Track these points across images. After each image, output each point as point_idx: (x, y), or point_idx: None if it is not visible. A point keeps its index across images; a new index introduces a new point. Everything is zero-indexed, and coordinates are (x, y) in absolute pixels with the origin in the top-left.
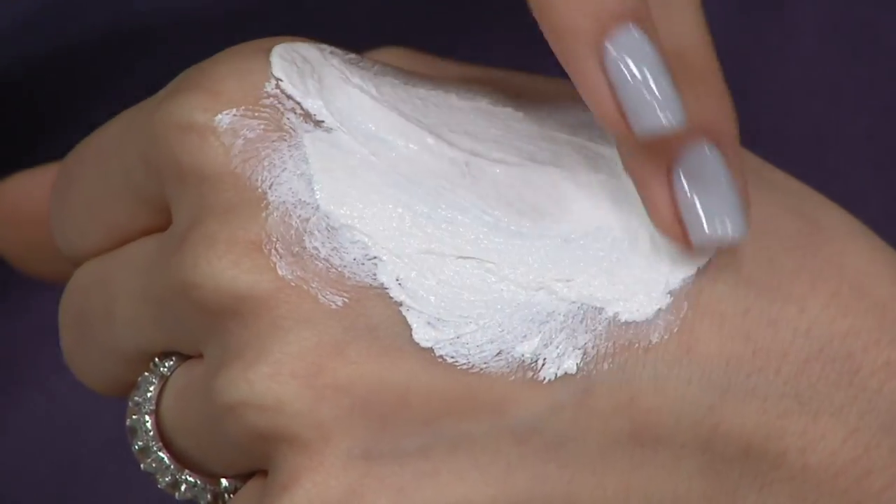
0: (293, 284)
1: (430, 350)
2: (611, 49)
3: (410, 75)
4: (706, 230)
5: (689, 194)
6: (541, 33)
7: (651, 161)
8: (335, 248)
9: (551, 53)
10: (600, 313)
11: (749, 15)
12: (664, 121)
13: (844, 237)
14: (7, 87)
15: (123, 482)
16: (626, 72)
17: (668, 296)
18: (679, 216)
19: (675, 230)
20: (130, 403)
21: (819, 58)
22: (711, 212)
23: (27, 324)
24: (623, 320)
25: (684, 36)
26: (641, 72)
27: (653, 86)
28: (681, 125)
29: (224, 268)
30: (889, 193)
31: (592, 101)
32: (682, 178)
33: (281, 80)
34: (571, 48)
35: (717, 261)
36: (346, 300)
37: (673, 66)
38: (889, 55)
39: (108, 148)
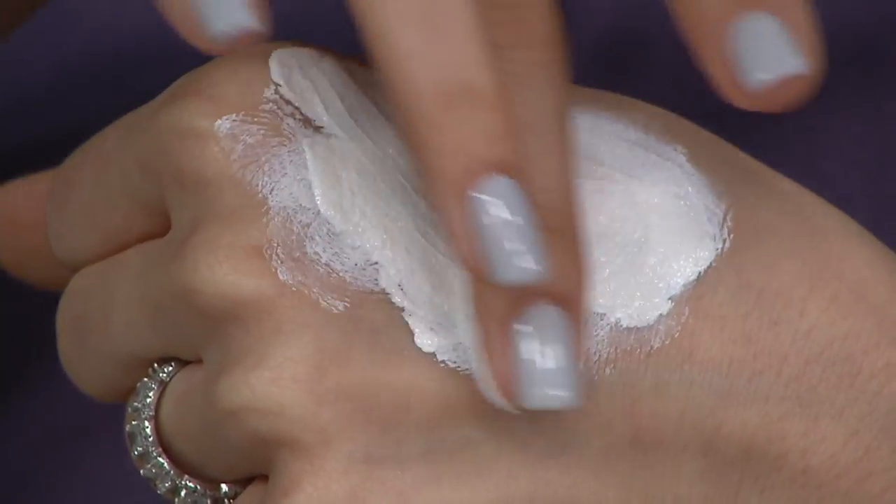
0: (294, 289)
1: (432, 355)
2: (476, 198)
3: None
4: (537, 396)
5: (528, 354)
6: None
7: (497, 313)
8: (336, 253)
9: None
10: (602, 319)
11: None
12: (523, 274)
13: (843, 240)
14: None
15: (126, 486)
16: (488, 222)
17: (669, 301)
18: (513, 374)
19: (507, 389)
20: (129, 409)
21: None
22: (546, 377)
23: (27, 327)
24: (624, 326)
25: (556, 194)
26: (505, 224)
27: (515, 239)
28: (541, 280)
29: (225, 273)
30: (880, 200)
31: (455, 246)
32: (523, 336)
33: (280, 86)
34: (439, 190)
35: (717, 266)
36: (347, 305)
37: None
38: (881, 61)
39: (107, 153)
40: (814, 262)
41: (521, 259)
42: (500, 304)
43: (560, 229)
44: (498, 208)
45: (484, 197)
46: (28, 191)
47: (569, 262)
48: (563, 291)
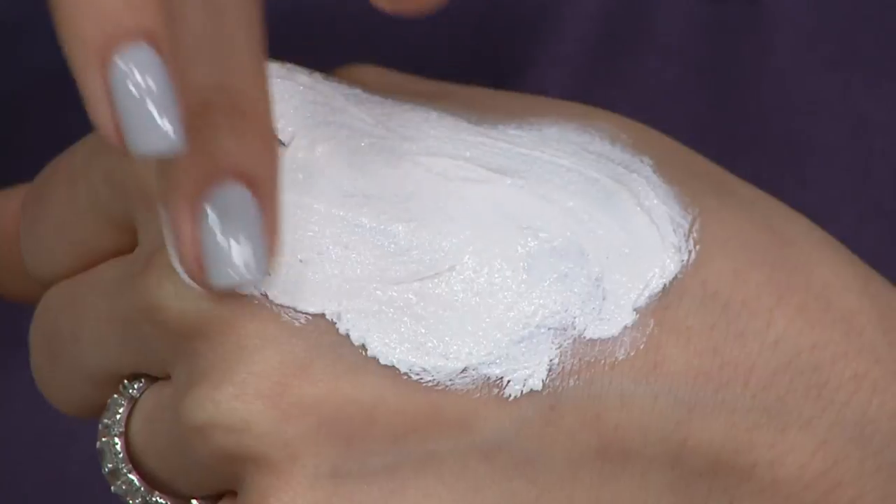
0: (256, 303)
1: (395, 369)
2: (116, 64)
3: (376, 93)
4: (218, 270)
5: (213, 233)
6: (515, 58)
7: (182, 193)
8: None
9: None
10: (566, 330)
11: (725, 28)
12: (159, 145)
13: (811, 250)
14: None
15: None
16: (127, 89)
17: (634, 313)
18: (200, 253)
19: (193, 267)
20: (100, 426)
21: (794, 68)
22: (230, 253)
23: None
24: (588, 337)
25: (233, 76)
26: (141, 91)
27: (152, 108)
28: (177, 152)
29: (188, 289)
30: (865, 202)
31: (91, 113)
32: (210, 215)
33: None
34: (78, 57)
35: (683, 278)
36: (308, 318)
37: (211, 101)
38: (864, 64)
39: (76, 169)
40: (781, 272)
41: (157, 128)
42: (186, 182)
43: (243, 111)
44: (136, 75)
45: (122, 64)
46: (2, 205)
47: (256, 143)
48: (251, 172)
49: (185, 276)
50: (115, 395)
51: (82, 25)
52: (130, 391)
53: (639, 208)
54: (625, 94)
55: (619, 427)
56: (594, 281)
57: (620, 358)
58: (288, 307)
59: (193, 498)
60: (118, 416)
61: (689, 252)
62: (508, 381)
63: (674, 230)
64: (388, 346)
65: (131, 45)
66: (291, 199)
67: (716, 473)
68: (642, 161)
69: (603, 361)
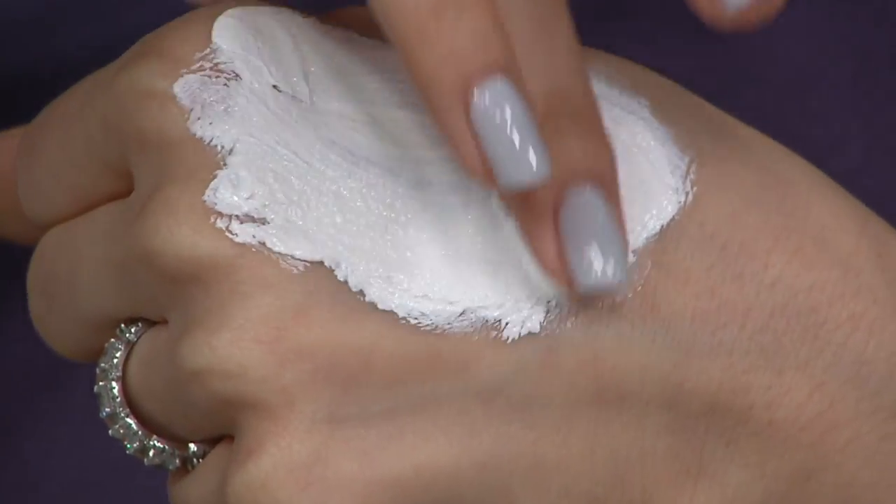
0: (254, 250)
1: (393, 313)
2: (476, 102)
3: (370, 37)
4: (592, 278)
5: (573, 241)
6: None
7: (535, 207)
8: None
9: None
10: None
11: None
12: (529, 176)
13: (808, 191)
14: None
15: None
16: (489, 125)
17: (632, 254)
18: (565, 263)
19: (561, 277)
20: (97, 370)
21: (800, 1)
22: (596, 259)
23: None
24: None
25: (561, 78)
26: (505, 125)
27: (516, 140)
28: (545, 179)
29: (185, 235)
30: (872, 137)
31: (458, 155)
32: (566, 224)
33: (217, 48)
34: (437, 101)
35: (680, 219)
36: (307, 265)
37: (550, 107)
38: None
39: (71, 114)
40: (778, 213)
41: (525, 159)
42: (535, 200)
43: (580, 112)
44: (499, 110)
45: (482, 101)
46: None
47: (599, 142)
48: (601, 173)
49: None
50: (113, 340)
51: (438, 70)
52: (127, 335)
53: (636, 150)
54: (629, 30)
55: (616, 369)
56: None
57: (618, 300)
58: (286, 254)
59: (191, 442)
60: (115, 361)
61: (687, 194)
62: (507, 324)
63: (671, 171)
64: (386, 292)
65: (488, 81)
66: (286, 139)
67: (712, 415)
68: (640, 103)
69: (601, 304)
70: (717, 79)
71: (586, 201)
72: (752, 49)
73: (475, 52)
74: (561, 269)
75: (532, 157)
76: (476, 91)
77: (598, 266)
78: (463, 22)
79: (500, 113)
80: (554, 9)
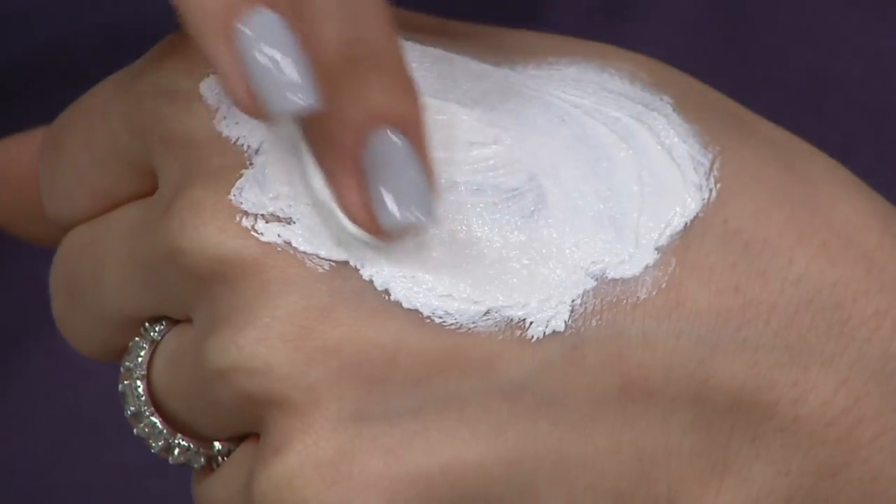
0: (280, 249)
1: (418, 311)
2: (241, 31)
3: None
4: (395, 216)
5: (375, 182)
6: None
7: (337, 150)
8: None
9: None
10: (587, 270)
11: None
12: (295, 103)
13: (832, 187)
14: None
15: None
16: (254, 54)
17: (656, 252)
18: (367, 203)
19: (364, 218)
20: (122, 369)
21: (812, 4)
22: (399, 197)
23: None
24: (610, 277)
25: (363, 27)
26: (270, 54)
27: (283, 68)
28: (314, 107)
29: (210, 233)
30: (883, 138)
31: (223, 84)
32: (368, 165)
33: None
34: (201, 30)
35: (704, 216)
36: (333, 264)
37: (349, 53)
38: (882, 0)
39: (94, 113)
40: (802, 210)
41: (292, 91)
42: (343, 135)
43: (382, 59)
44: (262, 40)
45: (247, 31)
46: (21, 148)
47: (400, 88)
48: (404, 117)
49: (350, 227)
50: (137, 338)
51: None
52: (152, 334)
53: (659, 147)
54: (641, 33)
55: (641, 366)
56: (615, 220)
57: (642, 297)
58: (311, 254)
59: (216, 440)
60: (140, 359)
61: (710, 190)
62: (531, 323)
63: (694, 168)
64: (411, 291)
65: (253, 12)
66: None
67: (738, 412)
68: (662, 99)
69: (625, 301)
70: (729, 82)
71: (387, 143)
72: (763, 52)
73: None
74: (363, 211)
75: (299, 87)
76: (242, 22)
77: (396, 207)
78: None
79: (265, 44)
80: None
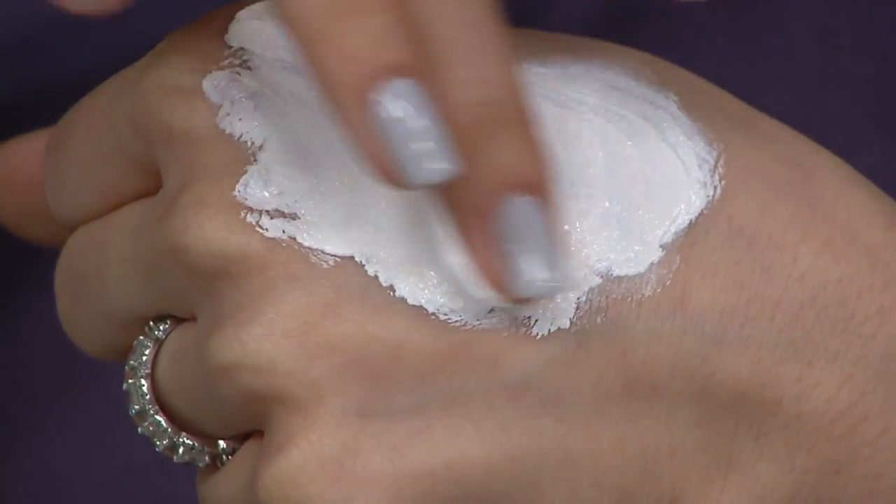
0: (284, 245)
1: (422, 308)
2: (377, 102)
3: None
4: (524, 282)
5: (512, 247)
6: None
7: (473, 214)
8: None
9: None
10: (593, 268)
11: None
12: (435, 171)
13: (837, 184)
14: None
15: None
16: (391, 124)
17: (661, 249)
18: (504, 268)
19: (500, 282)
20: (126, 367)
21: (819, 3)
22: (537, 263)
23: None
24: (615, 274)
25: (491, 87)
26: (407, 124)
27: (421, 140)
28: (453, 174)
29: (214, 230)
30: (890, 139)
31: (364, 156)
32: (505, 230)
33: (234, 49)
34: (337, 101)
35: (708, 213)
36: (337, 260)
37: (479, 116)
38: (890, 1)
39: (99, 112)
40: (806, 207)
41: (430, 160)
42: (477, 198)
43: (512, 120)
44: (399, 110)
45: (382, 101)
46: (26, 149)
47: (533, 151)
48: (536, 182)
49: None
50: (141, 337)
51: (336, 70)
52: (156, 333)
53: (664, 144)
54: (647, 31)
55: (645, 363)
56: (620, 217)
57: (647, 294)
58: (316, 249)
59: (221, 438)
60: (144, 358)
61: (715, 187)
62: (536, 320)
63: (699, 165)
64: (416, 287)
65: (388, 82)
66: (316, 135)
67: (742, 408)
68: (667, 97)
69: (630, 298)
70: (735, 81)
71: (523, 209)
72: (769, 51)
73: (374, 52)
74: (500, 276)
75: (438, 154)
76: (374, 92)
77: (528, 273)
78: (362, 22)
79: (401, 113)
80: (482, 14)
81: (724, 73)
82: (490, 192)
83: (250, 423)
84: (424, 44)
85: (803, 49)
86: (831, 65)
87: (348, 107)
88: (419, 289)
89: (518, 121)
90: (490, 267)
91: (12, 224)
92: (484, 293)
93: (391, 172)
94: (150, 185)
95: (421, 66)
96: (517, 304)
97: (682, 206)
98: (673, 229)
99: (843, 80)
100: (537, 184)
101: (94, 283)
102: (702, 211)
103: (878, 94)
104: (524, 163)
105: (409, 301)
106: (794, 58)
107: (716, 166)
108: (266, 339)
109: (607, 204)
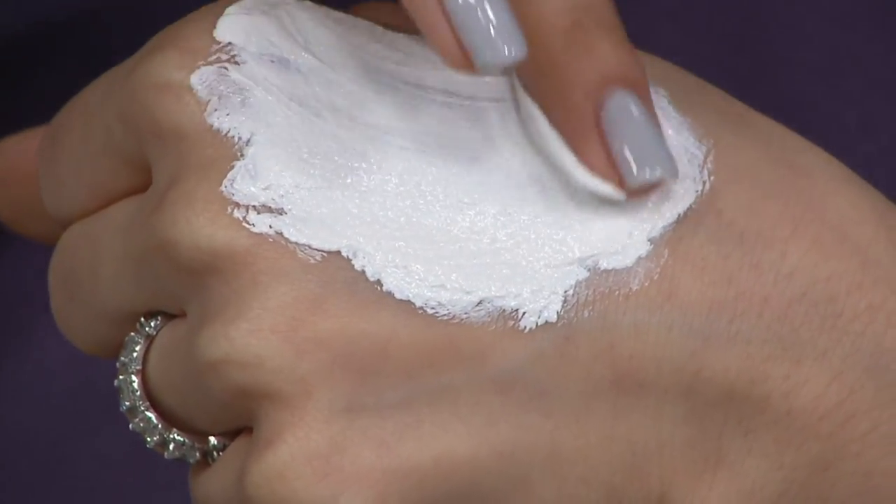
0: (271, 240)
1: (410, 302)
2: None
3: (385, 28)
4: (639, 176)
5: (619, 141)
6: None
7: (576, 115)
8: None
9: None
10: (580, 261)
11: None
12: (506, 54)
13: (828, 182)
14: None
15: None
16: (462, 9)
17: (649, 243)
18: (613, 163)
19: (612, 176)
20: (118, 364)
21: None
22: (641, 157)
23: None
24: (603, 268)
25: None
26: (478, 8)
27: (492, 20)
28: (523, 58)
29: (202, 225)
30: (889, 134)
31: (433, 40)
32: (608, 125)
33: (222, 44)
34: None
35: (697, 208)
36: (324, 255)
37: (577, 19)
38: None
39: (90, 109)
40: (796, 204)
41: (499, 42)
42: (580, 97)
43: (609, 23)
44: None
45: None
46: (22, 146)
47: (629, 51)
48: (630, 77)
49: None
50: (132, 333)
51: None
52: (147, 329)
53: None
54: (654, 8)
55: (633, 357)
56: (608, 211)
57: (634, 288)
58: (303, 244)
59: (211, 434)
60: (135, 354)
61: (704, 183)
62: (524, 314)
63: (688, 161)
64: (403, 282)
65: None
66: (303, 130)
67: (730, 404)
68: (657, 93)
69: (617, 292)
70: (749, 60)
71: (624, 104)
72: (782, 30)
73: None
74: (610, 170)
75: (509, 39)
76: None
77: (640, 167)
78: None
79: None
80: None
81: (736, 52)
82: (590, 89)
83: (239, 419)
84: None
85: (816, 28)
86: (844, 43)
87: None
88: (406, 283)
89: (608, 20)
90: (600, 162)
91: (11, 221)
92: (600, 186)
93: (462, 55)
94: (142, 181)
95: None
96: (631, 196)
97: (671, 201)
98: (661, 224)
99: (855, 58)
100: (634, 79)
101: (86, 279)
102: (690, 206)
103: (891, 73)
104: (619, 60)
105: (397, 295)
106: (806, 36)
107: (705, 162)
108: (253, 335)
109: (595, 197)
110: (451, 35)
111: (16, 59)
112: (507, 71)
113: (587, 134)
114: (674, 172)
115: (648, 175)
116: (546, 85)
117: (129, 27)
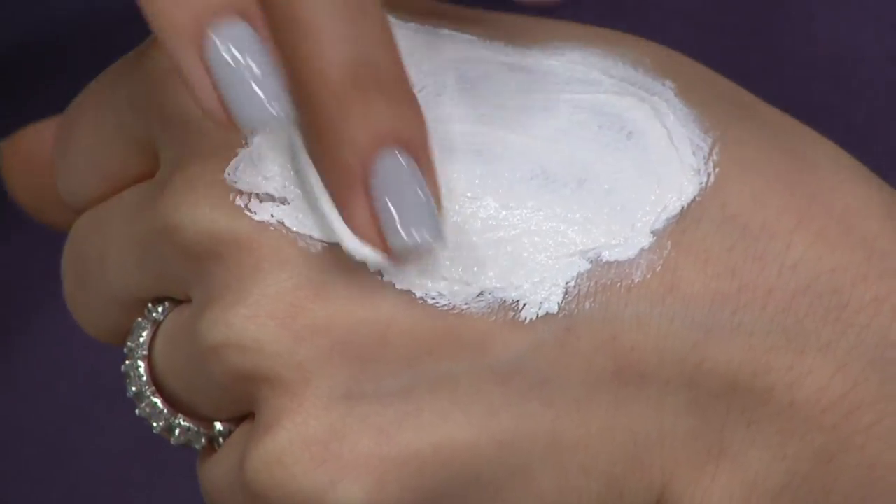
0: (273, 228)
1: (410, 291)
2: (211, 42)
3: (405, 20)
4: (404, 238)
5: (384, 203)
6: None
7: (345, 174)
8: None
9: None
10: (582, 253)
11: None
12: (266, 117)
13: (834, 174)
14: None
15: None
16: (224, 64)
17: (652, 235)
18: (377, 224)
19: (373, 238)
20: (125, 349)
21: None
22: (407, 218)
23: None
24: (605, 260)
25: (369, 48)
26: (239, 65)
27: (253, 80)
28: (286, 117)
29: (204, 211)
30: None
31: (195, 96)
32: (376, 186)
33: None
34: (171, 42)
35: (701, 200)
36: (325, 244)
37: (356, 75)
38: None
39: (102, 97)
40: (802, 196)
41: (261, 100)
42: (351, 157)
43: (388, 79)
44: (232, 50)
45: (216, 40)
46: (42, 135)
47: (407, 109)
48: (410, 138)
49: (356, 247)
50: (140, 319)
51: (171, 11)
52: (154, 314)
53: (658, 131)
54: (664, 5)
55: (634, 349)
56: (611, 202)
57: (637, 280)
58: (304, 234)
59: (216, 420)
60: (141, 340)
61: (709, 175)
62: (524, 305)
63: (693, 152)
64: (404, 272)
65: (223, 22)
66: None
67: (733, 395)
68: (664, 84)
69: (619, 284)
70: (758, 55)
71: (394, 164)
72: (792, 26)
73: None
74: (374, 232)
75: (267, 97)
76: (210, 30)
77: (405, 229)
78: None
79: (235, 53)
80: None
81: (745, 47)
82: (360, 148)
83: (242, 404)
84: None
85: (825, 23)
86: (854, 39)
87: (182, 48)
88: (406, 273)
89: (390, 78)
90: (362, 223)
91: (32, 209)
92: (361, 249)
93: (224, 113)
94: (151, 167)
95: (257, 12)
96: (393, 261)
97: (675, 193)
98: (664, 215)
99: (865, 54)
100: (411, 140)
101: (96, 265)
102: (694, 198)
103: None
104: (396, 119)
105: (397, 286)
106: (815, 32)
107: (710, 153)
108: (251, 321)
109: (599, 189)
110: (212, 89)
111: (28, 64)
112: (272, 129)
113: (353, 195)
114: (439, 237)
115: (415, 237)
116: (321, 144)
117: (138, 32)
